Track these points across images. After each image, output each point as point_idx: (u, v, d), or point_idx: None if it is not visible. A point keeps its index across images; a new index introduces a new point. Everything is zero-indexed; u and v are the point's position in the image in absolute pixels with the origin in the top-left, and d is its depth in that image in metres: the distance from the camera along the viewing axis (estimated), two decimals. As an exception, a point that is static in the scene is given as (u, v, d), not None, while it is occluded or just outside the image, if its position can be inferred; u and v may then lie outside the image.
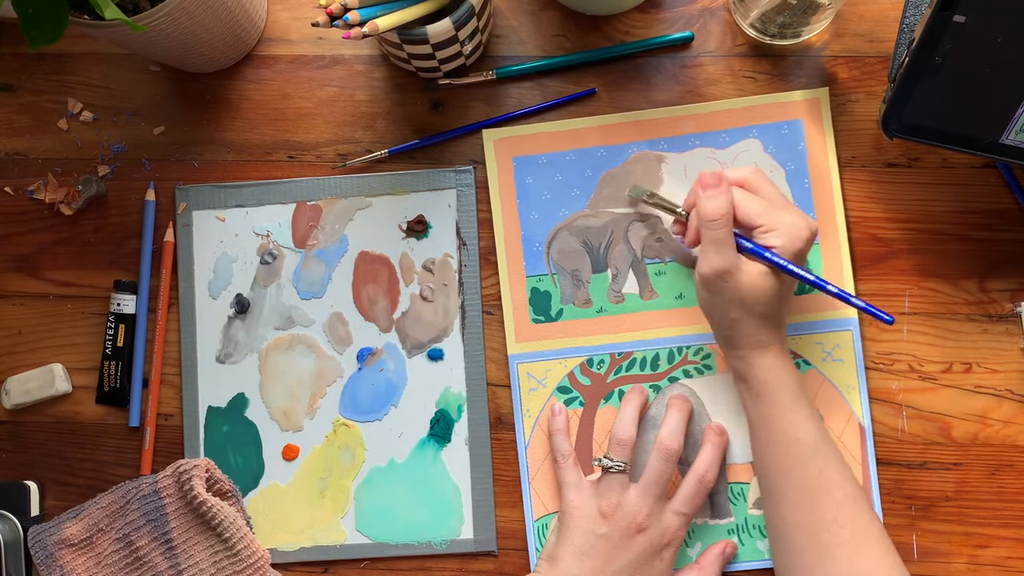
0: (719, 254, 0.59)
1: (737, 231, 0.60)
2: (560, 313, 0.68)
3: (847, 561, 0.57)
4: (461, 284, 0.69)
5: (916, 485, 0.66)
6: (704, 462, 0.64)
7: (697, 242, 0.62)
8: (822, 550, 0.58)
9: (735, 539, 0.66)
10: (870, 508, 0.60)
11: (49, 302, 0.71)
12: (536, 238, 0.69)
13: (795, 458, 0.60)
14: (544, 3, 0.70)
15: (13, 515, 0.67)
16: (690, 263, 0.68)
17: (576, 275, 0.68)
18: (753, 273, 0.59)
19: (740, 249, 0.60)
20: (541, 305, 0.68)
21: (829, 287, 0.60)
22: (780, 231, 0.59)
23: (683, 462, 0.66)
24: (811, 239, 0.60)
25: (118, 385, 0.69)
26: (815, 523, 0.58)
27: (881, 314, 0.59)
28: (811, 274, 0.59)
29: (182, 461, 0.67)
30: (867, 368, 0.67)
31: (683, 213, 0.63)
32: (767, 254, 0.59)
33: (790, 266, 0.59)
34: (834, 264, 0.67)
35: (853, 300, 0.60)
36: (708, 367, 0.67)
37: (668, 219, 0.68)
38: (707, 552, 0.65)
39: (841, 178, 0.68)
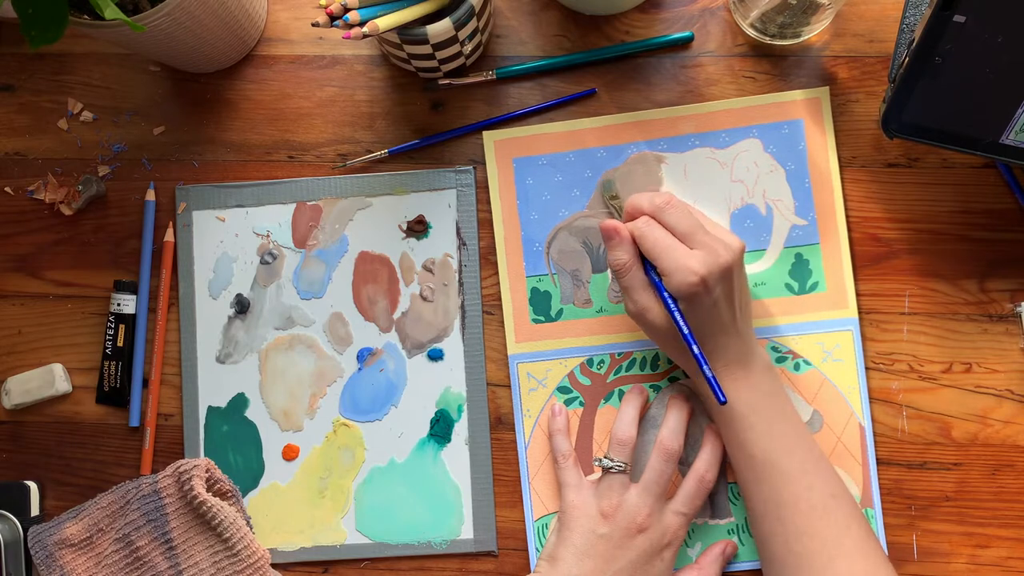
0: (629, 299, 0.61)
1: (652, 268, 0.60)
2: (560, 313, 0.68)
3: (820, 571, 0.58)
4: (461, 284, 0.69)
5: (916, 485, 0.66)
6: (704, 462, 0.64)
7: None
8: (796, 559, 0.59)
9: (735, 539, 0.66)
10: (844, 515, 0.59)
11: (49, 302, 0.71)
12: (536, 238, 0.69)
13: (753, 473, 0.61)
14: (544, 3, 0.70)
15: (13, 515, 0.67)
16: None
17: (576, 275, 0.68)
18: (661, 314, 0.60)
19: (653, 284, 0.60)
20: (541, 305, 0.68)
21: (693, 348, 0.58)
22: (669, 276, 0.58)
23: (683, 462, 0.66)
24: (708, 282, 0.58)
25: (118, 385, 0.69)
26: (785, 533, 0.59)
27: (719, 393, 0.57)
28: (686, 326, 0.58)
29: (182, 461, 0.67)
30: (867, 368, 0.67)
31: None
32: (664, 294, 0.59)
33: (673, 312, 0.59)
34: (834, 264, 0.67)
35: (704, 369, 0.58)
36: (708, 367, 0.67)
37: None
38: (707, 552, 0.65)
39: (841, 178, 0.68)
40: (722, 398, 0.58)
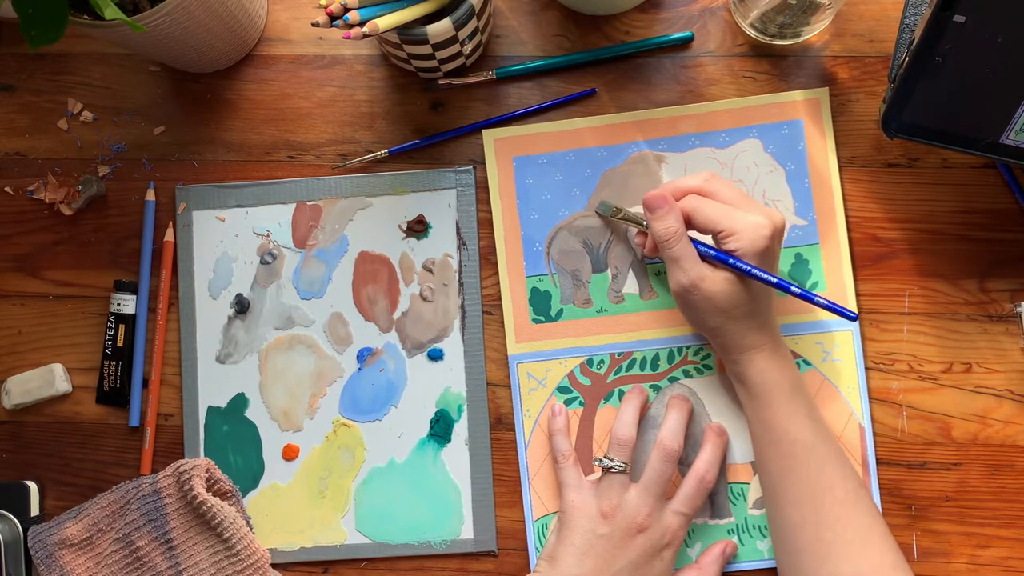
0: (680, 270, 0.60)
1: (699, 241, 0.60)
2: (560, 313, 0.68)
3: (851, 560, 0.57)
4: (461, 284, 0.69)
5: (916, 485, 0.66)
6: (704, 462, 0.64)
7: (656, 249, 0.63)
8: (826, 549, 0.58)
9: (735, 539, 0.66)
10: (872, 505, 0.60)
11: (49, 302, 0.71)
12: (536, 238, 0.69)
13: (794, 458, 0.60)
14: (544, 3, 0.70)
15: (13, 515, 0.67)
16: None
17: (576, 275, 0.68)
18: (719, 280, 0.59)
19: (706, 257, 0.60)
20: (541, 305, 0.68)
21: (792, 288, 0.59)
22: (740, 234, 0.58)
23: (683, 462, 0.66)
24: (775, 235, 0.59)
25: (118, 385, 0.69)
26: (818, 522, 0.58)
27: (845, 311, 0.59)
28: (773, 276, 0.59)
29: (182, 461, 0.67)
30: (867, 368, 0.67)
31: (648, 225, 0.64)
32: (730, 260, 0.59)
33: (752, 270, 0.59)
34: (834, 264, 0.67)
35: (817, 299, 0.60)
36: (708, 367, 0.67)
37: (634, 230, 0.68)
38: (707, 552, 0.65)
39: (841, 178, 0.68)
40: (852, 315, 0.59)
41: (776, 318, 0.63)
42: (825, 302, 0.60)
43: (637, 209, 0.66)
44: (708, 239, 0.62)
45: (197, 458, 0.67)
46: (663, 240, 0.60)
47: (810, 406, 0.61)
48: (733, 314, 0.60)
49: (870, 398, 0.66)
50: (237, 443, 0.69)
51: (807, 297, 0.60)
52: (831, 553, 0.58)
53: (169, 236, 0.70)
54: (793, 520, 0.60)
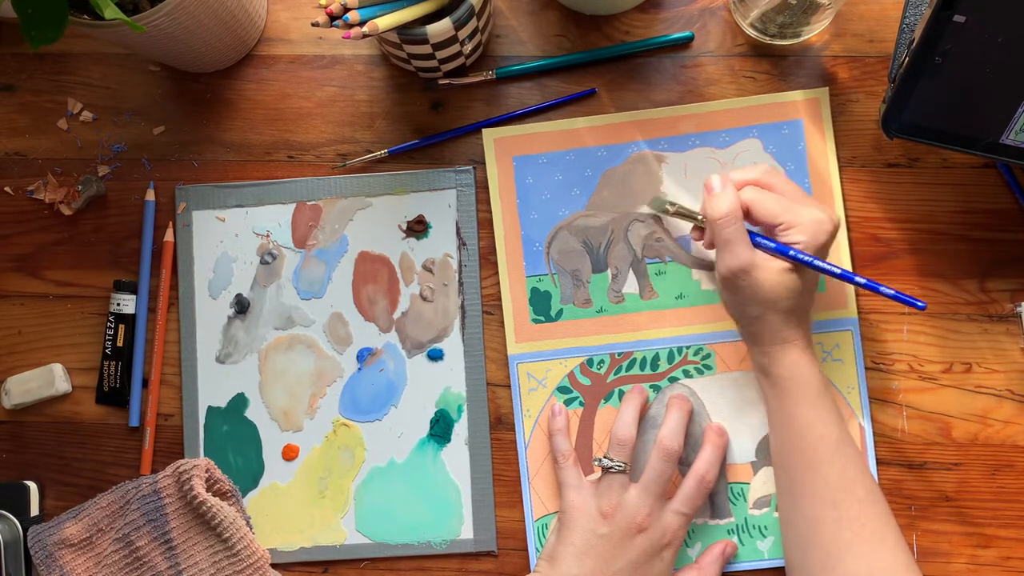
0: (731, 253, 0.59)
1: (756, 233, 0.60)
2: (560, 313, 0.68)
3: (867, 558, 0.57)
4: (461, 284, 0.69)
5: (916, 485, 0.66)
6: (704, 462, 0.64)
7: (713, 244, 0.62)
8: (843, 547, 0.58)
9: (735, 539, 0.66)
10: (887, 506, 0.60)
11: (49, 302, 0.71)
12: (536, 238, 0.69)
13: (818, 455, 0.59)
14: (544, 3, 0.70)
15: (13, 515, 0.67)
16: (690, 263, 0.68)
17: (576, 275, 0.68)
18: (773, 270, 0.59)
19: (762, 247, 0.59)
20: (541, 305, 0.68)
21: (857, 279, 0.59)
22: (802, 227, 0.58)
23: (683, 462, 0.66)
24: (835, 231, 0.59)
25: (118, 385, 0.69)
26: (838, 520, 0.58)
27: (913, 300, 0.58)
28: (838, 268, 0.59)
29: (182, 461, 0.67)
30: (867, 368, 0.67)
31: (702, 219, 0.63)
32: (791, 252, 0.58)
33: (816, 262, 0.58)
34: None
35: (882, 289, 0.59)
36: (708, 367, 0.67)
37: (674, 222, 0.68)
38: (707, 552, 0.65)
39: (841, 178, 0.68)
40: (920, 304, 0.58)
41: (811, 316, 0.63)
42: (891, 292, 0.59)
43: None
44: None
45: (197, 458, 0.67)
46: (717, 219, 0.59)
47: (835, 404, 0.61)
48: (778, 305, 0.59)
49: (870, 398, 0.66)
50: (237, 443, 0.69)
51: (872, 287, 0.59)
52: (847, 551, 0.57)
53: (169, 236, 0.70)
54: (811, 516, 0.59)
